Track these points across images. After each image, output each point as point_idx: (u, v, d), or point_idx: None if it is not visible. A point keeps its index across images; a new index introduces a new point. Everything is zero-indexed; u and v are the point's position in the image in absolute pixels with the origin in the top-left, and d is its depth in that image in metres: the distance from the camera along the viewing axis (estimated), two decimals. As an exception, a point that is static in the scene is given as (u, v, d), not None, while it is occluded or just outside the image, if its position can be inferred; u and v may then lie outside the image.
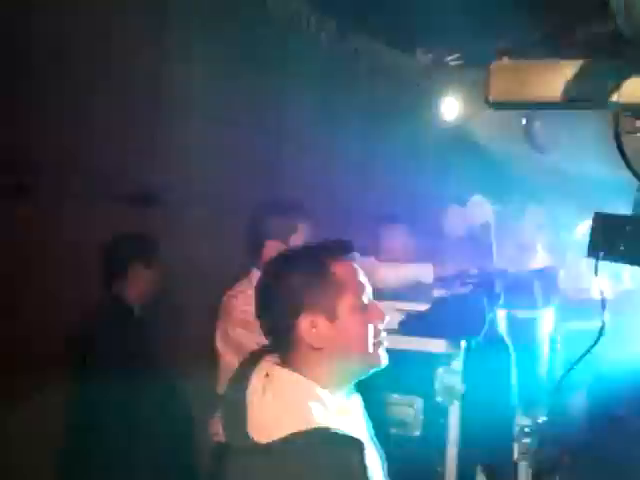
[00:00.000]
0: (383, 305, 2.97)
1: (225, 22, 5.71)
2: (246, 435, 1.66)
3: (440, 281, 3.87)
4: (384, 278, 4.18)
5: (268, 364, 1.79)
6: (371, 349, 1.80)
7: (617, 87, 1.19)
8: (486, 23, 5.89)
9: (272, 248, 3.13)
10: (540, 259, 6.18)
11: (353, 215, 7.27)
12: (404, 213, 5.43)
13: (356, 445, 1.71)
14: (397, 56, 8.03)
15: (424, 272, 4.20)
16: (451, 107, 10.15)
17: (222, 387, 3.19)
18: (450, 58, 6.90)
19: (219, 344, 3.34)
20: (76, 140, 4.35)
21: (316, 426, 1.65)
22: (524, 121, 8.35)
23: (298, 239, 3.27)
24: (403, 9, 5.95)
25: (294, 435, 1.62)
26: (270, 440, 1.63)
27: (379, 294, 3.89)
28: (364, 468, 1.71)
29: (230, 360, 3.16)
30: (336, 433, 1.67)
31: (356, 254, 1.97)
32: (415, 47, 6.91)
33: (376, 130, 8.58)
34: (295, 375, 1.75)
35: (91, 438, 3.53)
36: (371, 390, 2.56)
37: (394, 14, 6.08)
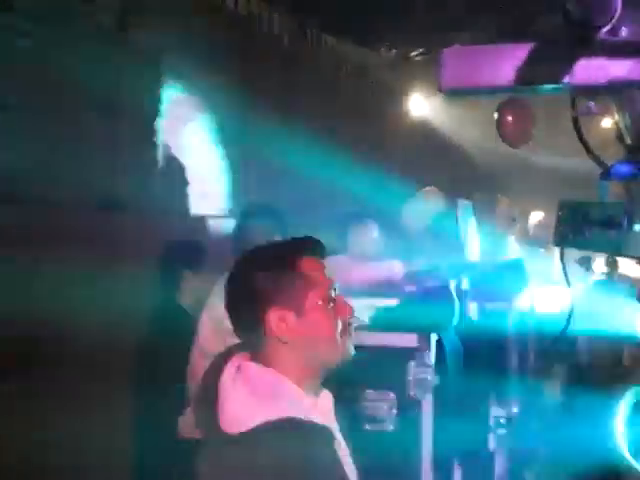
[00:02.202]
0: (352, 301, 2.99)
1: (185, 23, 5.68)
2: (217, 427, 1.67)
3: (410, 276, 3.88)
4: (356, 276, 4.20)
5: (239, 359, 1.81)
6: (339, 343, 1.82)
7: (568, 69, 1.19)
8: (448, 17, 5.92)
9: None
10: (512, 251, 6.19)
11: (323, 213, 7.27)
12: (373, 210, 5.43)
13: (326, 434, 1.73)
14: (361, 52, 8.04)
15: (394, 269, 4.22)
16: (417, 102, 10.22)
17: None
18: (414, 53, 6.91)
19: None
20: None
21: (286, 416, 1.66)
22: (496, 115, 8.28)
23: None
24: (365, 5, 5.96)
25: (265, 425, 1.63)
26: (241, 430, 1.64)
27: (350, 291, 3.91)
28: (334, 456, 1.73)
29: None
30: (306, 422, 1.69)
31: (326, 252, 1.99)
32: (378, 43, 6.93)
33: (342, 127, 8.59)
34: (265, 369, 1.77)
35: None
36: (344, 386, 2.56)
37: (356, 11, 6.09)
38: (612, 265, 9.94)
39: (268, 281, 1.77)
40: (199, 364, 3.21)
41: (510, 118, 7.97)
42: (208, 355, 3.02)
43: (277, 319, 1.75)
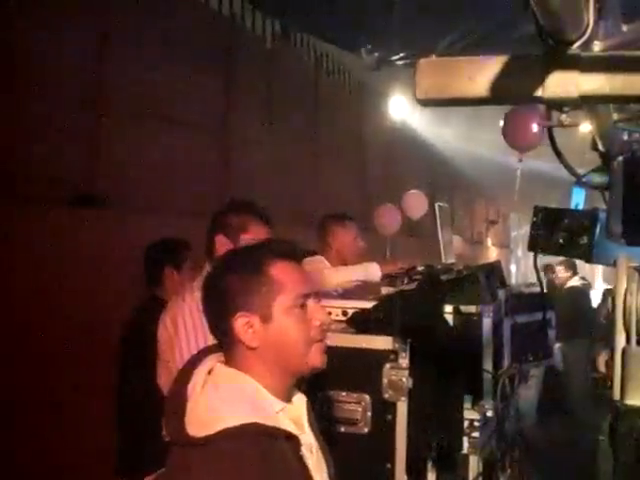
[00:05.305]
0: (329, 304, 3.00)
1: (166, 22, 5.69)
2: (184, 430, 1.67)
3: (388, 278, 3.90)
4: (332, 281, 4.21)
5: (212, 362, 1.81)
6: (308, 350, 1.81)
7: (540, 82, 1.21)
8: (430, 22, 5.94)
9: (221, 243, 3.14)
10: (490, 254, 6.21)
11: (302, 214, 7.29)
12: (352, 211, 5.45)
13: (291, 441, 1.74)
14: (342, 55, 8.06)
15: (371, 272, 4.24)
16: (397, 105, 10.26)
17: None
18: (395, 57, 6.93)
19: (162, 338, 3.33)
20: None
21: (252, 421, 1.67)
22: (501, 123, 8.18)
23: (248, 239, 3.25)
24: (347, 9, 5.98)
25: (230, 429, 1.63)
26: (205, 434, 1.64)
27: (327, 294, 3.92)
28: (300, 463, 1.74)
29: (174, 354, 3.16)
30: (271, 428, 1.69)
31: (301, 254, 1.99)
32: (360, 46, 6.94)
33: (323, 129, 8.61)
34: (236, 372, 1.77)
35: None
36: (318, 388, 2.58)
37: (338, 14, 6.10)
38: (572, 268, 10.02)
39: (236, 285, 1.78)
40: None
41: (521, 124, 7.82)
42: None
43: (243, 325, 1.75)
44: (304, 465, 1.76)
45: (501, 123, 7.80)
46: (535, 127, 7.30)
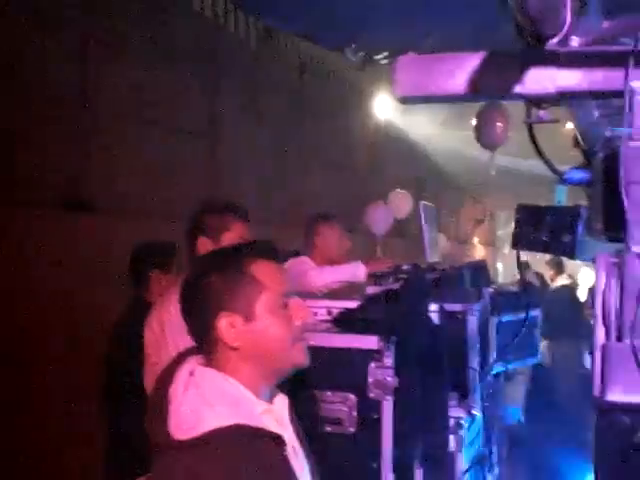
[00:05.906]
0: (313, 304, 3.00)
1: (151, 24, 5.68)
2: (167, 433, 1.65)
3: (373, 277, 3.90)
4: (317, 282, 4.21)
5: (193, 364, 1.79)
6: (292, 348, 1.80)
7: (519, 78, 1.21)
8: (415, 21, 5.95)
9: (203, 245, 3.12)
10: (476, 252, 6.21)
11: (287, 214, 7.29)
12: (338, 211, 5.44)
13: (276, 441, 1.72)
14: (327, 55, 8.07)
15: (356, 272, 4.24)
16: (382, 104, 10.27)
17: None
18: (380, 56, 6.94)
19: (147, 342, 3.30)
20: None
21: (236, 422, 1.66)
22: (474, 121, 8.27)
23: (231, 238, 3.24)
24: (331, 9, 5.98)
25: (213, 432, 1.62)
26: (189, 437, 1.63)
27: (312, 294, 3.92)
28: (285, 464, 1.73)
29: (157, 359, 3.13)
30: (256, 429, 1.68)
31: (283, 254, 1.98)
32: (345, 46, 6.95)
33: (309, 129, 8.61)
34: (218, 374, 1.75)
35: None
36: (304, 388, 2.57)
37: (322, 14, 6.10)
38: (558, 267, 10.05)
39: (217, 285, 1.76)
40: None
41: (492, 122, 7.94)
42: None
43: (226, 325, 1.74)
44: (289, 465, 1.76)
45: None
46: (500, 125, 7.43)
